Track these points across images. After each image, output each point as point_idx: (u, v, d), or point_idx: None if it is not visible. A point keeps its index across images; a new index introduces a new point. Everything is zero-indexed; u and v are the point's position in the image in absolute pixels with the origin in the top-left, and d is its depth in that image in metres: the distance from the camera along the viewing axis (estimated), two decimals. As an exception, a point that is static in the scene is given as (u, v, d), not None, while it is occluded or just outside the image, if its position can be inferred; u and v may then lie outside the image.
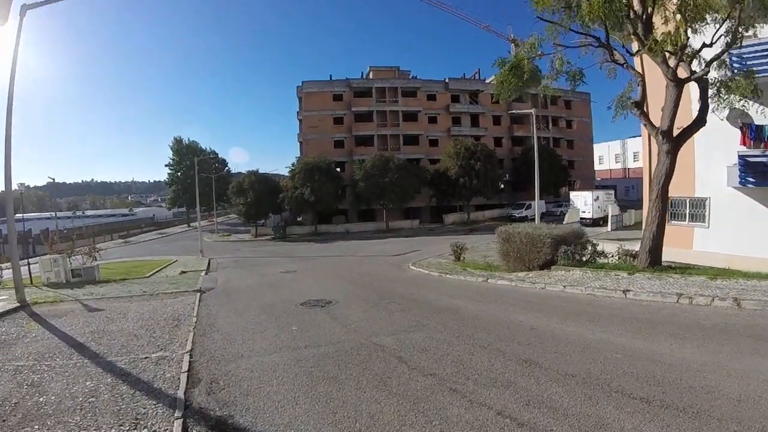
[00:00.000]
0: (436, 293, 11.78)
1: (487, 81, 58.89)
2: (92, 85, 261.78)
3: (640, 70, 13.27)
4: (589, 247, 14.02)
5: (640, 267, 11.96)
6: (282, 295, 12.62)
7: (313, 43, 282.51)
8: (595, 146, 65.65)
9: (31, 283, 17.66)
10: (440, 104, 54.47)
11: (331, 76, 54.23)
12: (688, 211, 15.47)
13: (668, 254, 13.06)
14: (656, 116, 12.39)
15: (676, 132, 11.73)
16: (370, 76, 55.34)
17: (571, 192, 42.26)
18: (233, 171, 64.92)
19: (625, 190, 62.07)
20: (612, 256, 13.87)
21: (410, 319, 8.66)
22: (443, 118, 54.46)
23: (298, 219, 53.50)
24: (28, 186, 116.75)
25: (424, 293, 11.82)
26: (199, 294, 12.90)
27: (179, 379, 5.64)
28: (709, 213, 14.88)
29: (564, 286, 10.91)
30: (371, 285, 14.08)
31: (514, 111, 41.28)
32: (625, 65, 12.44)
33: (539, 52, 11.82)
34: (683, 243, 14.92)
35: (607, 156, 71.59)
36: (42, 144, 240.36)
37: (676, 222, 15.45)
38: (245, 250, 35.13)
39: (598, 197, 36.83)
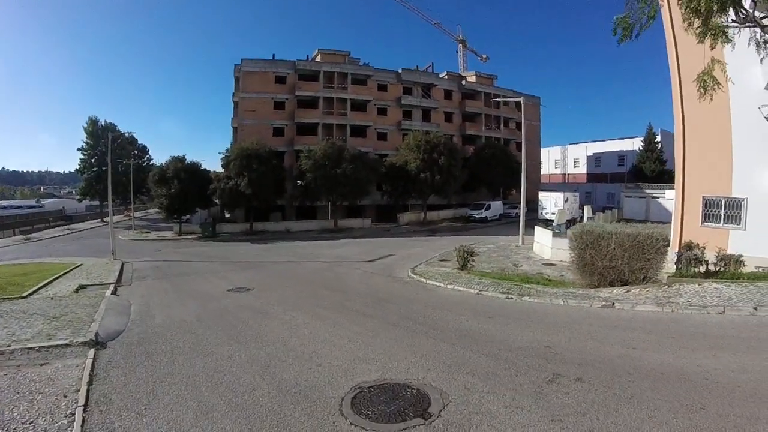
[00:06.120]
0: (588, 339, 7.49)
1: (441, 75, 55.83)
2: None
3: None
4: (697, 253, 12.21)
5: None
6: (267, 362, 6.61)
7: (251, 29, 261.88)
8: (537, 151, 64.96)
9: None
10: (391, 95, 50.14)
11: (274, 55, 47.37)
12: (723, 213, 14.65)
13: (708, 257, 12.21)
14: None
15: None
16: (318, 59, 49.30)
17: (540, 192, 40.31)
18: (155, 162, 55.04)
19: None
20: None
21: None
22: (394, 110, 50.21)
23: (227, 216, 46.47)
24: None
25: (565, 344, 7.17)
26: (93, 353, 6.96)
27: None
28: (746, 215, 14.12)
29: (754, 308, 8.47)
30: (433, 326, 8.66)
31: (499, 98, 37.65)
32: None
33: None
34: (718, 245, 13.55)
35: (546, 161, 71.99)
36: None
37: (709, 224, 14.81)
38: (168, 251, 27.97)
39: (567, 198, 35.29)
